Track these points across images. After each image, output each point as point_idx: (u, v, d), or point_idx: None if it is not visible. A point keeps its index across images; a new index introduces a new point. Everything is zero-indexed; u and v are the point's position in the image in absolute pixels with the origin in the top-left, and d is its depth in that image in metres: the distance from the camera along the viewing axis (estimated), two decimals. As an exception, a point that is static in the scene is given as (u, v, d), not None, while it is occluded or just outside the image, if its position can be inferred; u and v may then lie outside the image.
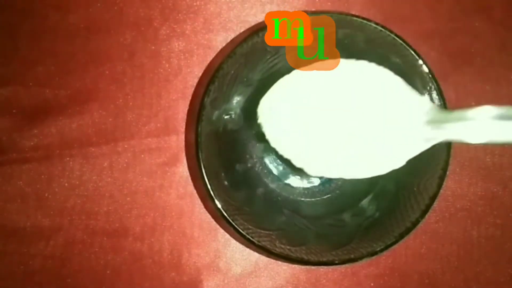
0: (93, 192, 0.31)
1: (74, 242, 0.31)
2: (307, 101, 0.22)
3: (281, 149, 0.23)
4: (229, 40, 0.32)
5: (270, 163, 0.31)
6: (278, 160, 0.31)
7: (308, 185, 0.31)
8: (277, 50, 0.27)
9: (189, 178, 0.32)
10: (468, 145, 0.24)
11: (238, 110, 0.28)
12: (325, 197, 0.31)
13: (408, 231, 0.25)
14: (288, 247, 0.26)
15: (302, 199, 0.31)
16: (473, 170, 0.32)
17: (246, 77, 0.27)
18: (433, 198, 0.25)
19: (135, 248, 0.31)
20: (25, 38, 0.32)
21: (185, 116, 0.32)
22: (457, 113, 0.19)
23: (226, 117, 0.29)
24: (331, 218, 0.29)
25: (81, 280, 0.31)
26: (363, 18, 0.26)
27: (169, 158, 0.32)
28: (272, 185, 0.31)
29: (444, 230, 0.32)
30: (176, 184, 0.31)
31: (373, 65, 0.22)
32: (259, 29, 0.26)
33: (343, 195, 0.31)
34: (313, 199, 0.31)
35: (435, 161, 0.26)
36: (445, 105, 0.26)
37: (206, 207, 0.31)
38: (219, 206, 0.25)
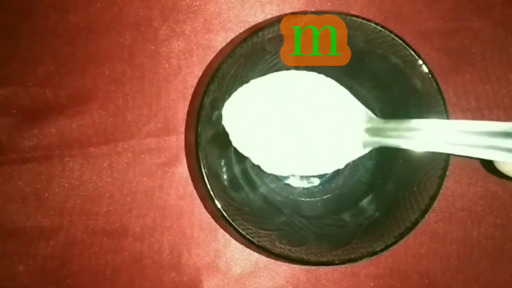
0: (93, 192, 0.31)
1: (74, 242, 0.31)
2: (264, 106, 0.25)
3: (241, 147, 0.26)
4: (229, 40, 0.32)
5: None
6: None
7: (308, 185, 0.31)
8: (277, 50, 0.27)
9: (189, 178, 0.32)
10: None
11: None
12: (325, 197, 0.31)
13: (408, 231, 0.25)
14: (288, 247, 0.26)
15: (302, 199, 0.31)
16: (473, 170, 0.32)
17: (246, 77, 0.27)
18: (433, 198, 0.25)
19: (135, 248, 0.31)
20: (25, 38, 0.32)
21: (185, 116, 0.32)
22: (392, 123, 0.23)
23: (226, 117, 0.29)
24: (331, 218, 0.29)
25: (81, 280, 0.31)
26: (363, 18, 0.26)
27: (169, 158, 0.32)
28: (272, 185, 0.31)
29: (444, 230, 0.32)
30: (176, 184, 0.32)
31: (322, 76, 0.25)
32: (259, 29, 0.26)
33: (343, 195, 0.31)
34: (313, 199, 0.31)
35: (435, 161, 0.26)
36: (445, 105, 0.26)
37: (206, 207, 0.31)
38: (219, 206, 0.25)
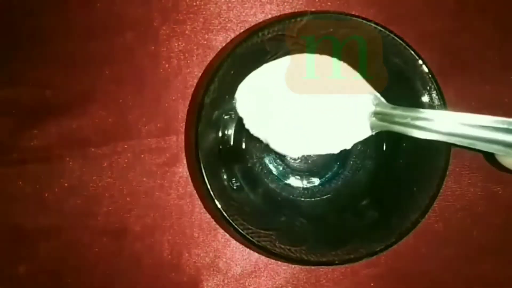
0: (93, 192, 0.31)
1: (74, 242, 0.31)
2: (277, 89, 0.26)
3: (254, 129, 0.27)
4: (229, 40, 0.32)
5: (270, 163, 0.31)
6: (278, 160, 0.31)
7: (308, 185, 0.31)
8: (277, 50, 0.27)
9: (189, 178, 0.31)
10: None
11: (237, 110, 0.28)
12: (325, 197, 0.31)
13: (408, 231, 0.25)
14: (288, 247, 0.26)
15: (302, 199, 0.31)
16: (473, 170, 0.32)
17: (246, 77, 0.27)
18: (433, 198, 0.25)
19: (135, 248, 0.31)
20: (25, 38, 0.32)
21: (185, 116, 0.32)
22: (399, 110, 0.24)
23: (226, 117, 0.29)
24: (331, 218, 0.30)
25: (81, 280, 0.31)
26: (363, 18, 0.26)
27: (169, 158, 0.32)
28: (272, 185, 0.31)
29: (444, 230, 0.32)
30: (176, 184, 0.31)
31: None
32: (259, 29, 0.26)
33: (343, 195, 0.31)
34: (313, 199, 0.31)
35: (435, 161, 0.26)
36: (445, 105, 0.26)
37: (206, 207, 0.31)
38: (219, 206, 0.25)
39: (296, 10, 0.33)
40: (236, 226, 0.25)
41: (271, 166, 0.31)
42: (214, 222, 0.31)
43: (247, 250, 0.31)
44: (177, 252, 0.31)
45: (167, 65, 0.32)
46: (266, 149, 0.31)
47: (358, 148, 0.31)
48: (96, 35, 0.32)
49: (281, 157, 0.31)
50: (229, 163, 0.29)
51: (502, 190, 0.32)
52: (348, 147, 0.26)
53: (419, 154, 0.27)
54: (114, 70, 0.32)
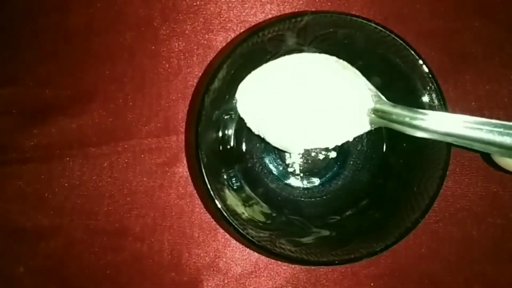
0: (93, 192, 0.31)
1: (74, 242, 0.31)
2: (278, 88, 0.26)
3: (256, 128, 0.27)
4: (229, 40, 0.32)
5: (270, 163, 0.31)
6: (278, 160, 0.31)
7: (308, 185, 0.31)
8: (277, 50, 0.27)
9: (189, 178, 0.31)
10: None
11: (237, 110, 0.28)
12: (325, 197, 0.31)
13: (408, 231, 0.25)
14: (288, 247, 0.26)
15: (302, 199, 0.31)
16: (473, 170, 0.32)
17: (246, 77, 0.27)
18: (433, 198, 0.25)
19: (135, 248, 0.31)
20: (25, 38, 0.32)
21: (185, 116, 0.32)
22: (398, 109, 0.24)
23: (226, 117, 0.29)
24: (331, 218, 0.30)
25: (81, 280, 0.31)
26: (363, 18, 0.26)
27: (169, 158, 0.32)
28: (272, 185, 0.31)
29: (444, 230, 0.32)
30: (176, 184, 0.31)
31: (334, 58, 0.26)
32: (259, 29, 0.26)
33: (343, 195, 0.31)
34: (313, 199, 0.31)
35: (435, 161, 0.26)
36: (445, 105, 0.26)
37: (206, 207, 0.31)
38: (219, 206, 0.25)
39: (296, 10, 0.33)
40: (236, 226, 0.25)
41: (271, 166, 0.31)
42: (214, 222, 0.31)
43: (247, 250, 0.31)
44: (177, 252, 0.31)
45: (167, 65, 0.32)
46: (266, 149, 0.31)
47: (358, 148, 0.31)
48: (96, 35, 0.32)
49: (281, 157, 0.31)
50: (229, 163, 0.29)
51: (502, 190, 0.32)
52: (350, 139, 0.26)
53: (419, 154, 0.27)
54: (114, 70, 0.32)
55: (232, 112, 0.29)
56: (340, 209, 0.30)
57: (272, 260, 0.31)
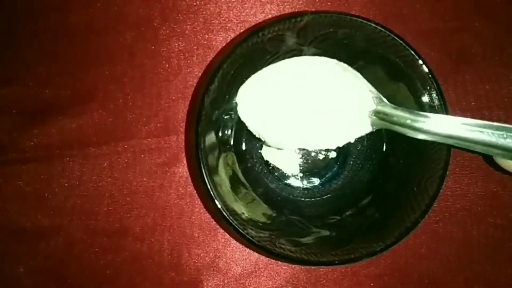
0: (93, 192, 0.31)
1: (74, 242, 0.31)
2: (278, 90, 0.26)
3: (256, 130, 0.27)
4: (229, 40, 0.32)
5: (270, 163, 0.31)
6: (278, 160, 0.31)
7: (308, 185, 0.31)
8: (277, 50, 0.27)
9: (189, 178, 0.31)
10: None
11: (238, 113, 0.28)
12: (325, 197, 0.31)
13: (408, 231, 0.25)
14: (288, 247, 0.26)
15: (302, 199, 0.31)
16: (473, 170, 0.32)
17: (246, 77, 0.27)
18: (433, 198, 0.25)
19: (135, 248, 0.31)
20: (26, 38, 0.32)
21: (185, 116, 0.32)
22: (399, 111, 0.24)
23: (226, 117, 0.29)
24: (331, 218, 0.29)
25: (81, 280, 0.31)
26: (363, 18, 0.26)
27: (169, 158, 0.32)
28: (272, 185, 0.31)
29: (444, 230, 0.32)
30: (176, 184, 0.31)
31: (334, 61, 0.27)
32: (259, 29, 0.26)
33: (343, 195, 0.31)
34: (313, 199, 0.31)
35: (435, 161, 0.26)
36: (445, 105, 0.26)
37: (206, 207, 0.31)
38: (219, 206, 0.25)
39: (296, 10, 0.33)
40: (236, 226, 0.25)
41: (271, 166, 0.31)
42: (214, 222, 0.31)
43: (247, 250, 0.31)
44: (177, 252, 0.31)
45: (167, 65, 0.32)
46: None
47: (358, 148, 0.31)
48: (96, 35, 0.32)
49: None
50: (229, 163, 0.29)
51: (502, 190, 0.32)
52: (352, 140, 0.26)
53: (419, 154, 0.27)
54: (114, 70, 0.32)
55: (232, 112, 0.29)
56: (340, 209, 0.30)
57: (272, 260, 0.31)
